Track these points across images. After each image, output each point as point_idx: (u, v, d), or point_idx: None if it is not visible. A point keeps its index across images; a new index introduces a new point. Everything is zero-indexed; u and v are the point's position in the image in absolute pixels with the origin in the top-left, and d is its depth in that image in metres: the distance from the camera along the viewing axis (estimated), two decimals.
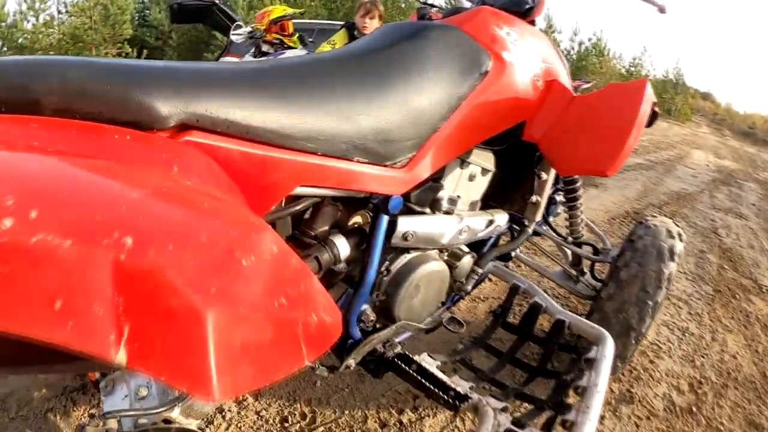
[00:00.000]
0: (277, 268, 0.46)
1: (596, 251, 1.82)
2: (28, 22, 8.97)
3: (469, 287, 1.35)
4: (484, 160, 1.24)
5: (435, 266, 1.12)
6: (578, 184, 1.63)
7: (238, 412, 1.46)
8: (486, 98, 1.08)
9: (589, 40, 12.54)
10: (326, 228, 1.01)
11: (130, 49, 9.64)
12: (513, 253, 1.68)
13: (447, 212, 1.19)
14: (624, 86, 1.20)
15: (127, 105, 0.55)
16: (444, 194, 1.17)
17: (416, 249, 1.12)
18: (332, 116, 0.79)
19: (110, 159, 0.48)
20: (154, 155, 0.53)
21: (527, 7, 1.30)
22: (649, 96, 1.15)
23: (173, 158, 0.53)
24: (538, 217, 1.37)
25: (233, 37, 4.03)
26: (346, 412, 1.49)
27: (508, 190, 1.40)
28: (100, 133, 0.52)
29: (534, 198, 1.35)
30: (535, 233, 1.74)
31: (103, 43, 9.28)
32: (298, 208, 0.87)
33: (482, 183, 1.28)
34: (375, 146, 0.88)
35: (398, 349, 1.16)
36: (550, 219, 1.80)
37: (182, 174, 0.52)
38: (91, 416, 0.79)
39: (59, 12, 9.39)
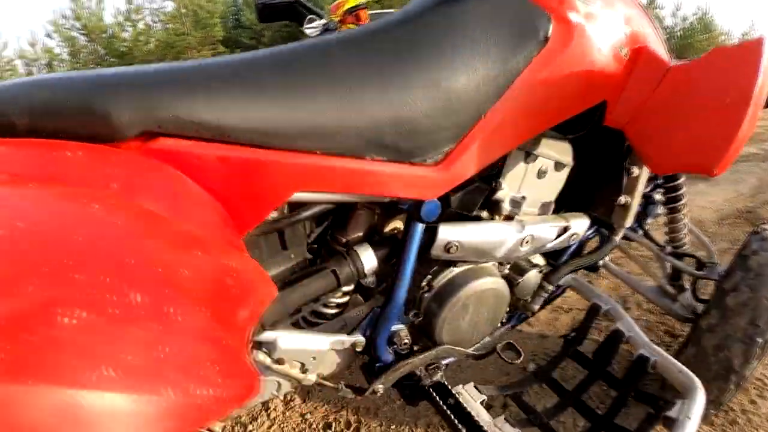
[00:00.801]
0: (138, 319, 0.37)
1: (700, 265, 1.47)
2: (126, 31, 9.71)
3: (537, 306, 1.14)
4: (557, 151, 1.00)
5: (489, 283, 0.94)
6: (681, 180, 1.35)
7: (284, 413, 1.45)
8: (548, 73, 0.84)
9: (694, 15, 11.40)
10: (351, 237, 0.88)
11: (224, 49, 10.19)
12: (600, 263, 1.42)
13: (508, 217, 0.97)
14: (733, 50, 0.90)
15: (87, 118, 0.53)
16: (504, 195, 0.96)
17: (465, 262, 0.94)
18: (335, 106, 0.66)
19: (44, 178, 0.46)
20: (93, 172, 0.48)
21: None
22: None
23: (117, 173, 0.49)
24: (629, 222, 1.12)
25: (307, 31, 4.01)
26: (393, 427, 1.37)
27: (591, 189, 1.16)
28: (52, 150, 0.49)
29: (623, 199, 1.10)
30: (626, 238, 1.44)
31: (197, 46, 9.86)
32: (304, 215, 0.75)
33: (556, 180, 1.05)
34: (396, 140, 0.72)
35: (438, 376, 0.99)
36: (648, 222, 1.51)
37: (123, 190, 0.48)
38: None
39: (153, 21, 10.06)
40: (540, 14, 0.85)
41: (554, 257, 1.20)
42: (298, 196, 0.67)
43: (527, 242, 0.97)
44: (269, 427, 1.37)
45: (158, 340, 0.37)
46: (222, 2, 11.25)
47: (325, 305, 0.91)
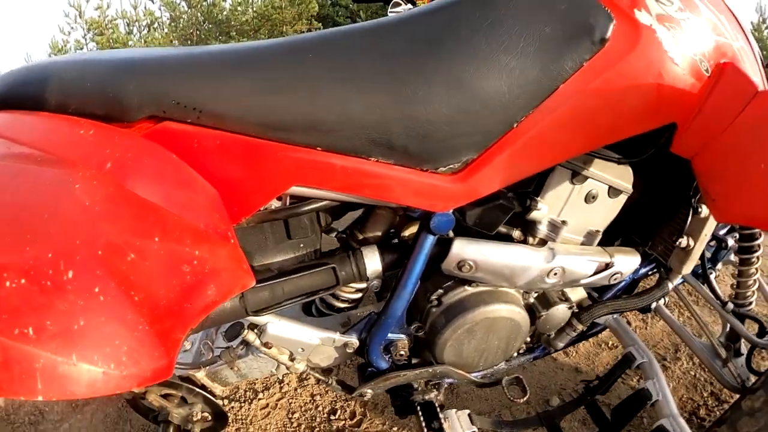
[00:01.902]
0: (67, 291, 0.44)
1: (762, 331, 1.27)
2: (226, 1, 10.06)
3: (562, 344, 1.03)
4: (613, 175, 0.87)
5: (504, 311, 0.87)
6: (757, 230, 1.14)
7: (295, 389, 1.50)
8: (603, 82, 0.71)
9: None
10: (367, 236, 0.86)
11: (318, 24, 10.36)
12: (656, 303, 1.24)
13: (543, 241, 0.87)
14: None
15: (102, 100, 0.58)
16: (541, 216, 0.85)
17: (484, 282, 0.87)
18: (340, 102, 0.64)
19: (50, 152, 0.52)
20: (96, 148, 0.54)
21: None
22: None
23: (116, 151, 0.54)
24: (688, 268, 0.97)
25: (391, 15, 3.97)
26: (395, 428, 1.37)
27: (651, 223, 1.01)
28: (68, 127, 0.56)
29: (684, 241, 0.94)
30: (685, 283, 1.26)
31: (291, 21, 10.06)
32: (305, 209, 0.74)
33: (608, 207, 0.91)
34: (406, 143, 0.67)
35: (433, 395, 0.95)
36: (716, 270, 1.33)
37: (115, 170, 0.52)
38: None
39: None
40: (598, 10, 0.72)
41: (599, 292, 1.08)
42: (296, 189, 0.67)
43: (555, 274, 0.87)
44: (278, 400, 1.44)
45: (77, 314, 0.43)
46: None
47: (337, 297, 0.91)
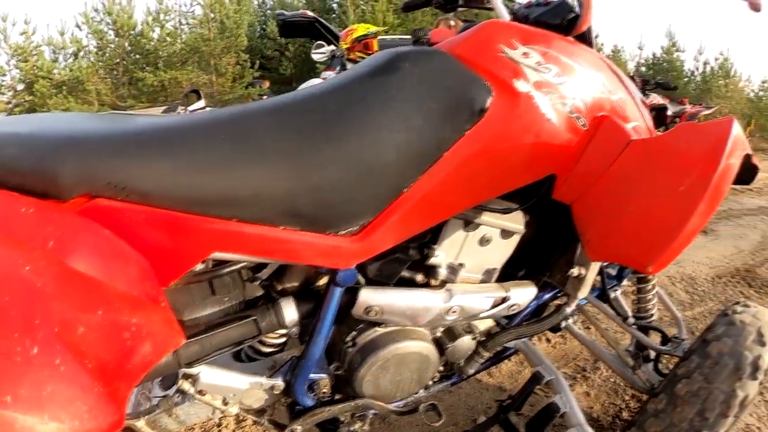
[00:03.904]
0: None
1: (665, 339, 1.42)
2: (154, 32, 9.88)
3: (472, 370, 1.12)
4: (504, 219, 0.98)
5: (412, 346, 0.95)
6: None
7: (233, 431, 1.53)
8: (483, 147, 0.81)
9: (716, 59, 11.28)
10: (285, 287, 0.93)
11: (246, 57, 10.36)
12: (563, 323, 1.36)
13: (444, 282, 0.97)
14: (701, 128, 0.83)
15: (40, 180, 0.61)
16: (440, 262, 0.95)
17: (392, 323, 0.95)
18: (250, 178, 0.71)
19: None
20: (37, 227, 0.57)
21: (569, 17, 0.98)
22: (737, 144, 0.79)
23: (56, 230, 0.58)
24: (582, 293, 1.08)
25: (314, 57, 4.11)
26: None
27: (547, 255, 1.11)
28: (10, 204, 0.58)
29: (575, 270, 1.05)
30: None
31: (220, 53, 10.01)
32: (225, 271, 0.81)
33: (503, 248, 1.02)
34: (309, 211, 0.75)
35: (357, 426, 1.02)
36: (622, 286, 1.45)
37: (57, 248, 0.56)
38: None
39: (180, 23, 10.22)
40: (478, 85, 0.82)
41: (508, 319, 1.17)
42: (217, 255, 0.72)
43: (454, 312, 0.96)
44: None
45: (44, 383, 0.48)
46: (250, 13, 11.42)
47: (263, 344, 0.97)
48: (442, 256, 0.96)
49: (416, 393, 1.07)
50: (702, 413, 1.08)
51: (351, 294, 0.88)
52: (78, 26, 9.86)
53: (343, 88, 0.80)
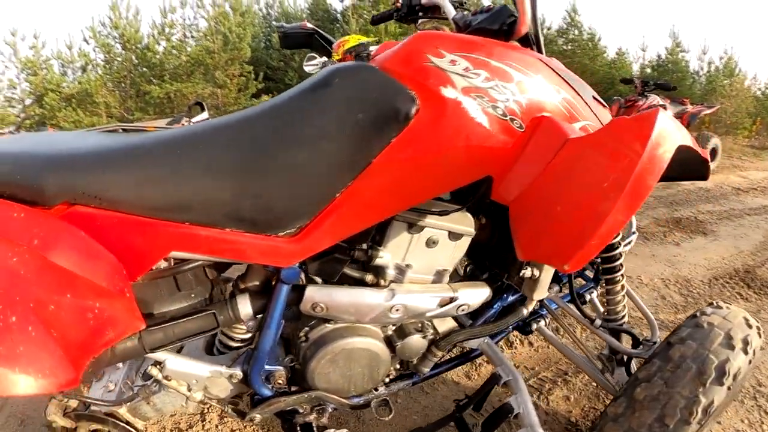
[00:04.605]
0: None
1: (636, 342, 1.37)
2: (160, 45, 10.04)
3: (427, 369, 1.16)
4: (450, 221, 1.01)
5: (359, 342, 1.02)
6: (616, 252, 1.27)
7: (216, 425, 1.63)
8: (411, 153, 0.86)
9: (720, 59, 11.17)
10: (247, 285, 1.01)
11: (251, 68, 10.49)
12: (534, 326, 1.42)
13: (393, 281, 1.01)
14: (629, 123, 0.83)
15: (29, 191, 0.76)
16: (386, 263, 1.01)
17: (340, 320, 1.02)
18: (201, 188, 0.82)
19: None
20: (26, 230, 0.71)
21: (509, 21, 1.00)
22: (664, 136, 0.79)
23: (43, 232, 0.72)
24: (539, 294, 1.08)
25: (307, 68, 4.12)
26: None
27: (505, 255, 1.11)
28: (2, 210, 0.72)
29: (527, 271, 1.05)
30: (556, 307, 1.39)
31: (223, 66, 10.15)
32: (185, 267, 0.92)
33: (452, 250, 1.05)
34: (253, 215, 0.85)
35: (313, 417, 1.08)
36: (597, 289, 1.46)
37: (45, 244, 0.71)
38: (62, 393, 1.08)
39: (185, 36, 10.36)
40: (402, 95, 0.87)
41: (473, 318, 1.19)
42: (175, 254, 0.84)
43: (398, 310, 1.00)
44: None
45: (19, 343, 0.63)
46: (254, 25, 11.57)
47: (231, 338, 1.05)
48: (388, 257, 1.02)
49: (373, 389, 1.11)
50: (661, 419, 1.04)
51: (299, 291, 0.96)
52: (86, 40, 10.05)
53: (283, 104, 0.88)
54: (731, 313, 1.21)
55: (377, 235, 1.03)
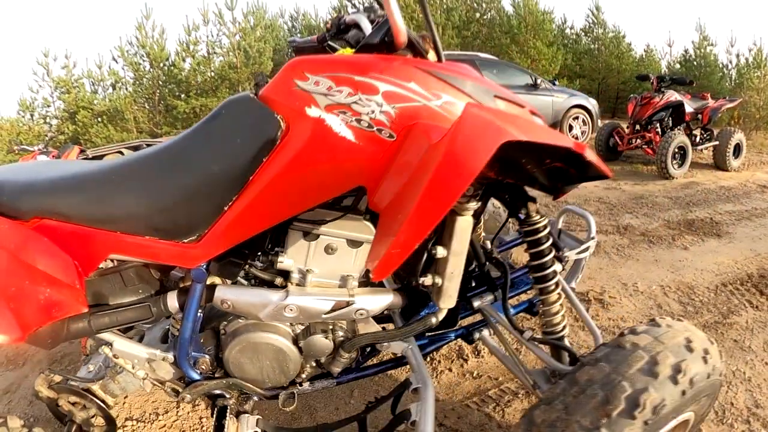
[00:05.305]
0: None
1: (574, 358, 1.22)
2: (185, 61, 10.38)
3: (338, 369, 1.23)
4: (347, 228, 1.08)
5: (263, 337, 1.14)
6: (546, 259, 1.20)
7: (188, 413, 1.83)
8: (283, 169, 0.95)
9: (750, 50, 10.61)
10: (182, 285, 1.17)
11: None
12: (476, 335, 1.44)
13: (298, 284, 1.11)
14: (440, 128, 0.87)
15: (10, 207, 1.03)
16: (288, 267, 1.11)
17: (246, 316, 1.15)
18: (125, 206, 1.03)
19: None
20: (6, 236, 0.97)
21: (389, 34, 1.00)
22: (467, 137, 0.78)
23: (17, 238, 0.99)
24: (445, 303, 1.07)
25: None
26: None
27: (418, 262, 1.11)
28: None
29: (428, 279, 1.06)
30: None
31: (246, 80, 10.42)
32: (124, 267, 1.13)
33: (353, 256, 1.11)
34: (163, 226, 1.04)
35: (231, 401, 1.21)
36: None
37: (18, 247, 0.97)
38: (49, 369, 1.34)
39: (209, 53, 10.66)
40: (270, 119, 0.96)
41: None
42: (114, 256, 1.06)
43: (292, 310, 1.09)
44: (174, 421, 1.79)
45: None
46: (278, 38, 11.84)
47: (175, 327, 1.19)
48: (290, 262, 1.12)
49: (290, 384, 1.22)
50: None
51: (210, 290, 1.11)
52: (114, 59, 10.49)
53: (187, 135, 1.05)
54: (669, 332, 1.04)
55: (279, 242, 1.13)
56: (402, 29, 0.97)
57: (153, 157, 1.06)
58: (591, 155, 0.92)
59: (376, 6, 1.26)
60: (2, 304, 0.90)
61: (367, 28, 1.23)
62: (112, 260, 1.14)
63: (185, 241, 1.04)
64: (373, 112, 0.93)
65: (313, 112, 0.93)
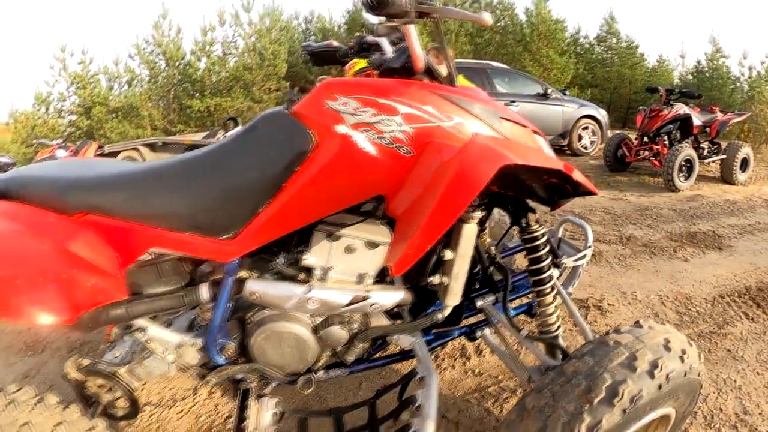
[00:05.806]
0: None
1: (565, 356, 1.32)
2: (201, 61, 10.53)
3: (351, 358, 1.34)
4: (365, 231, 1.19)
5: (286, 326, 1.25)
6: (543, 264, 1.32)
7: (204, 399, 1.92)
8: (312, 178, 1.08)
9: (762, 63, 10.60)
10: (215, 276, 1.27)
11: (287, 83, 10.88)
12: (478, 333, 1.54)
13: (320, 280, 1.21)
14: (452, 147, 1.05)
15: (57, 202, 1.13)
16: (312, 264, 1.21)
17: (273, 307, 1.25)
18: (171, 202, 1.14)
19: (30, 228, 1.07)
20: (55, 228, 1.08)
21: (409, 60, 1.15)
22: (475, 158, 1.02)
23: (65, 230, 1.09)
24: (450, 300, 1.21)
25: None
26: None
27: (427, 263, 1.25)
28: (38, 214, 1.11)
29: (436, 279, 1.20)
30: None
31: (260, 81, 10.57)
32: (162, 259, 1.23)
33: (371, 256, 1.21)
34: (203, 223, 1.14)
35: (254, 385, 1.30)
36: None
37: (66, 238, 1.07)
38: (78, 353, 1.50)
39: (224, 53, 10.81)
40: (303, 133, 1.09)
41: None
42: (154, 249, 1.17)
43: (314, 302, 1.20)
44: (191, 407, 1.88)
45: (36, 283, 0.97)
46: (292, 40, 11.97)
47: (202, 317, 1.29)
48: (314, 260, 1.22)
49: (308, 370, 1.32)
50: (543, 430, 1.05)
51: (241, 282, 1.21)
52: (131, 57, 10.66)
53: (226, 144, 1.17)
54: (649, 333, 1.17)
55: (305, 241, 1.23)
56: (421, 57, 1.13)
57: (195, 162, 1.17)
58: (578, 176, 1.12)
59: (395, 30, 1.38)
60: (55, 289, 0.98)
61: (388, 50, 1.35)
62: (150, 253, 1.24)
63: (222, 238, 1.15)
64: (393, 131, 1.06)
65: (341, 129, 1.06)
